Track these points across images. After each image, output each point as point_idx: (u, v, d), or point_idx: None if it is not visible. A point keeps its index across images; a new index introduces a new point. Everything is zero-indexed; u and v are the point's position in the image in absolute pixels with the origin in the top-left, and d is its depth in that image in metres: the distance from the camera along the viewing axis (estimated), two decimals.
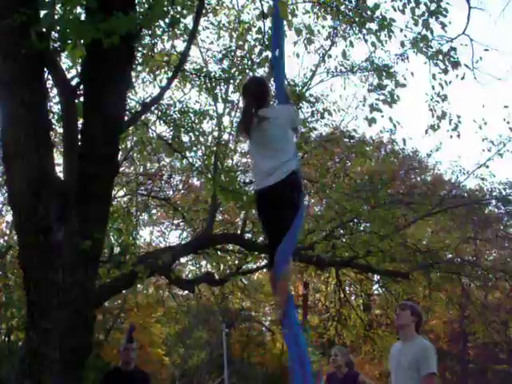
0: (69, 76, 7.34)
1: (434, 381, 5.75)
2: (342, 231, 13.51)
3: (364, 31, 8.70)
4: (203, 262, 15.56)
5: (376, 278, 18.02)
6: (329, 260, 12.22)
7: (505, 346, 20.69)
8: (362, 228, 13.92)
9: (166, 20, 6.95)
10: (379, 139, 17.08)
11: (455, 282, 15.01)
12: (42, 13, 5.25)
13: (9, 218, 19.93)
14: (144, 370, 7.90)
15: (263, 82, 5.13)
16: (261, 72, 9.61)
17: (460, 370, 46.03)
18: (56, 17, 5.25)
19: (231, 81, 9.89)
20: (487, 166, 13.86)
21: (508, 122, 12.80)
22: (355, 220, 13.48)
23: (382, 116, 8.64)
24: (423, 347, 5.81)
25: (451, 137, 10.08)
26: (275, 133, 4.83)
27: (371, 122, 8.40)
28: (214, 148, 11.07)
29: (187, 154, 10.68)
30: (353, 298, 22.35)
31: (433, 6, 7.73)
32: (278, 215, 4.77)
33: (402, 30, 8.60)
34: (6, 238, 21.16)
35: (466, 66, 8.39)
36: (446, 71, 8.44)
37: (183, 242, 15.04)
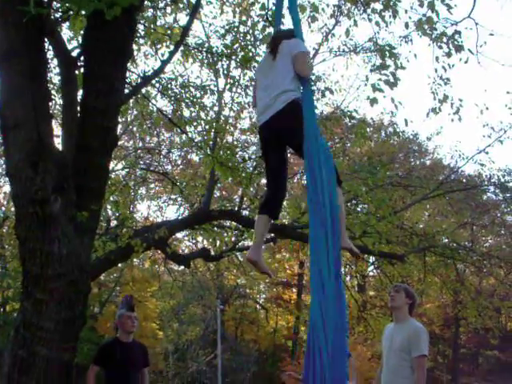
0: (69, 47, 7.29)
1: (424, 363, 5.78)
2: None
3: (368, 11, 8.64)
4: (199, 238, 15.59)
5: (371, 259, 18.07)
6: None
7: (497, 332, 20.76)
8: (359, 209, 13.93)
9: None
10: (380, 121, 17.06)
11: (450, 266, 15.04)
12: None
13: (6, 188, 19.96)
14: (141, 343, 7.92)
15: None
16: (263, 49, 9.57)
17: (452, 354, 46.35)
18: None
19: (233, 56, 9.81)
20: (487, 152, 13.87)
21: (510, 108, 12.77)
22: (353, 201, 13.49)
23: (384, 97, 8.59)
24: (415, 329, 5.84)
25: (452, 120, 10.06)
26: (280, 64, 4.71)
27: (373, 102, 8.35)
28: (214, 124, 11.03)
29: (187, 128, 10.64)
30: (348, 278, 22.44)
31: None
32: (279, 151, 4.73)
33: (406, 11, 8.54)
34: (3, 208, 21.20)
35: (470, 50, 8.32)
36: (449, 54, 8.39)
37: (180, 217, 15.04)
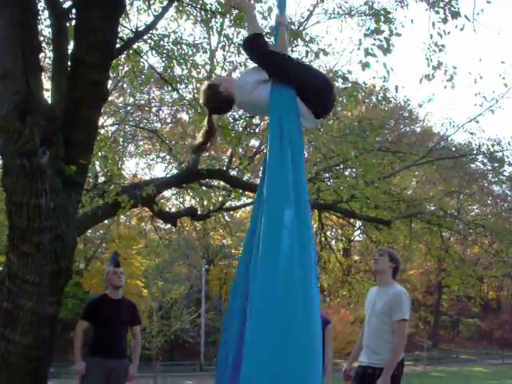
0: None
1: (405, 327, 5.85)
2: (327, 174, 13.52)
3: None
4: (187, 197, 15.57)
5: (358, 224, 18.16)
6: (312, 202, 12.25)
7: (478, 300, 21.04)
8: (347, 173, 13.95)
9: None
10: (371, 85, 16.98)
11: (436, 233, 15.13)
12: None
13: None
14: (130, 300, 7.97)
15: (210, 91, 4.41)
16: (258, 7, 9.46)
17: (433, 320, 46.99)
18: None
19: (227, 15, 9.69)
20: (477, 121, 13.87)
21: (503, 78, 12.75)
22: (341, 164, 13.50)
23: (377, 61, 8.56)
24: (397, 293, 5.90)
25: (445, 87, 10.04)
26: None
27: (365, 66, 8.32)
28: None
29: (178, 86, 10.55)
30: (333, 242, 22.56)
31: None
32: None
33: None
34: None
35: (466, 17, 8.26)
36: (445, 21, 8.33)
37: (168, 175, 15.02)
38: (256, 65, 4.34)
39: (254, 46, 4.30)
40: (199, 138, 4.49)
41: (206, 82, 4.52)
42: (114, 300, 7.24)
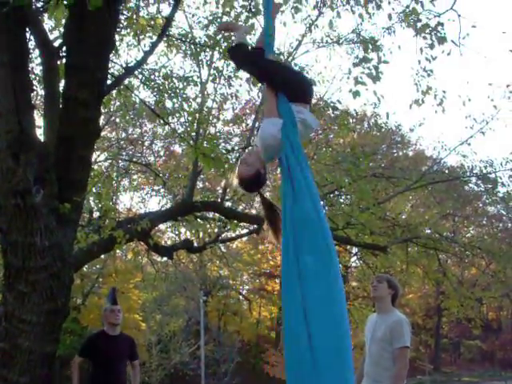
0: (51, 37, 7.23)
1: (406, 354, 5.81)
2: (322, 202, 13.53)
3: (352, 2, 8.65)
4: (182, 229, 15.54)
5: (354, 250, 18.13)
6: None
7: (478, 322, 20.93)
8: (342, 200, 13.97)
9: None
10: (362, 112, 17.07)
11: (432, 257, 15.11)
12: None
13: None
14: (129, 335, 7.92)
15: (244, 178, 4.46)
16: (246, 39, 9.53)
17: (434, 344, 46.73)
18: None
19: (216, 47, 9.78)
20: (469, 144, 13.94)
21: (492, 100, 12.85)
22: (336, 192, 13.52)
23: (367, 89, 8.62)
24: (397, 320, 5.86)
25: (436, 112, 10.12)
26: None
27: (355, 95, 8.38)
28: (197, 115, 10.99)
29: (170, 119, 10.60)
30: None
31: None
32: None
33: (389, 3, 8.58)
34: None
35: (453, 41, 8.36)
36: (432, 46, 8.44)
37: (163, 209, 15.00)
38: (265, 120, 4.50)
39: (242, 55, 4.65)
40: (266, 221, 4.51)
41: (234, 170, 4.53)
42: (112, 336, 7.20)
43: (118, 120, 14.29)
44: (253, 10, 6.02)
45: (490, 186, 15.36)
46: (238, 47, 4.70)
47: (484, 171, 14.78)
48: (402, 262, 15.31)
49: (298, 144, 4.28)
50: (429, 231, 15.17)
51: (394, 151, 24.85)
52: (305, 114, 4.45)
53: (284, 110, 4.35)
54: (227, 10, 10.30)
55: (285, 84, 4.44)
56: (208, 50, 10.44)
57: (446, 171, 16.20)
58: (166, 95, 10.12)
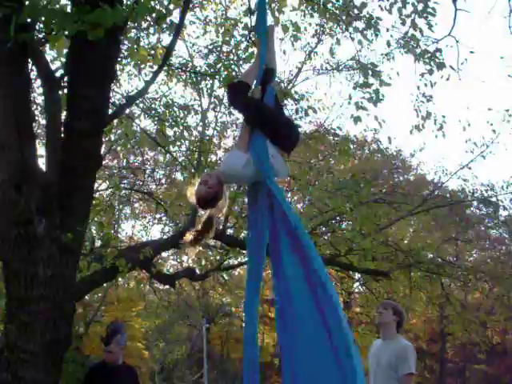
0: (53, 67, 7.27)
1: (411, 381, 5.78)
2: (323, 229, 13.53)
3: (351, 29, 8.71)
4: (184, 257, 15.52)
5: (357, 276, 18.07)
6: None
7: (483, 346, 20.79)
8: (343, 226, 13.95)
9: (153, 15, 6.91)
10: (363, 138, 17.13)
11: (435, 281, 15.07)
12: (27, 2, 5.18)
13: None
14: (131, 366, 7.75)
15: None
16: (246, 67, 9.60)
17: (439, 369, 46.37)
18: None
19: (217, 76, 9.85)
20: (470, 168, 13.97)
21: (491, 124, 12.90)
22: (337, 218, 13.51)
23: (368, 114, 8.65)
24: (402, 347, 5.84)
25: (436, 136, 10.14)
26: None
27: (356, 120, 8.42)
28: (198, 143, 11.04)
29: (171, 148, 10.64)
30: None
31: (420, 6, 7.75)
32: None
33: (388, 30, 8.64)
34: None
35: (451, 67, 8.41)
36: (431, 72, 8.49)
37: (165, 237, 14.99)
38: (232, 152, 4.86)
39: (237, 92, 4.75)
40: (198, 227, 4.71)
41: (193, 185, 4.73)
42: (112, 367, 7.07)
43: (119, 148, 14.33)
44: (253, 39, 6.07)
45: (491, 209, 15.36)
46: (240, 85, 4.80)
47: (485, 195, 14.80)
48: (405, 287, 15.26)
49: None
50: (431, 256, 15.14)
51: (395, 176, 24.86)
52: (276, 161, 4.56)
53: (258, 148, 4.50)
54: (227, 39, 10.40)
55: (274, 134, 4.56)
56: (208, 78, 10.50)
57: (448, 195, 16.21)
58: (166, 124, 10.16)
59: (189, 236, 4.66)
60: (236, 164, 4.48)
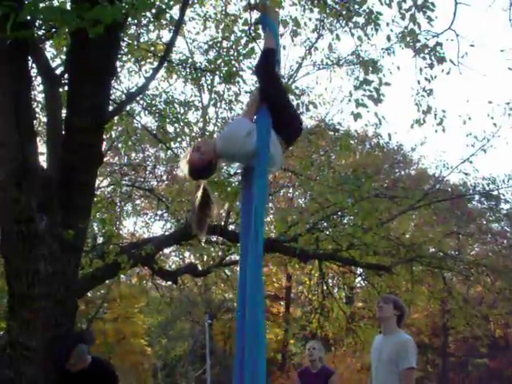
0: (53, 65, 7.28)
1: (412, 375, 5.78)
2: (325, 224, 13.53)
3: (351, 25, 8.70)
4: (187, 253, 15.52)
5: (359, 270, 18.08)
6: (312, 252, 12.22)
7: (485, 339, 20.80)
8: (345, 221, 13.95)
9: (153, 11, 6.90)
10: (364, 133, 17.13)
11: (437, 275, 15.07)
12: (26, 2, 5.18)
13: None
14: (103, 364, 6.16)
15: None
16: (247, 64, 9.62)
17: (441, 363, 46.39)
18: (41, 5, 5.18)
19: (217, 72, 9.84)
20: (471, 162, 13.94)
21: (492, 118, 12.87)
22: (339, 213, 13.51)
23: (368, 111, 8.64)
24: (403, 341, 5.84)
25: (436, 131, 10.12)
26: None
27: (357, 117, 8.41)
28: (199, 139, 11.04)
29: (172, 144, 10.64)
30: (335, 290, 22.42)
31: (420, 0, 7.74)
32: None
33: (388, 24, 8.63)
34: None
35: (452, 61, 8.40)
36: (431, 66, 8.48)
37: (167, 233, 15.01)
38: (239, 118, 4.64)
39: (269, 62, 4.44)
40: (196, 212, 4.43)
41: (185, 154, 4.45)
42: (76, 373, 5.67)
43: (120, 145, 14.34)
44: (253, 34, 6.06)
45: (493, 203, 15.35)
46: (274, 54, 4.49)
47: (487, 188, 14.79)
48: (406, 282, 15.27)
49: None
50: (433, 250, 15.13)
51: (397, 171, 24.88)
52: (275, 148, 4.26)
53: (262, 126, 4.22)
54: (227, 34, 10.39)
55: (281, 118, 4.29)
56: (209, 74, 10.50)
57: (449, 189, 16.21)
58: (167, 120, 10.16)
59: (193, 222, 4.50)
60: (240, 128, 4.18)
